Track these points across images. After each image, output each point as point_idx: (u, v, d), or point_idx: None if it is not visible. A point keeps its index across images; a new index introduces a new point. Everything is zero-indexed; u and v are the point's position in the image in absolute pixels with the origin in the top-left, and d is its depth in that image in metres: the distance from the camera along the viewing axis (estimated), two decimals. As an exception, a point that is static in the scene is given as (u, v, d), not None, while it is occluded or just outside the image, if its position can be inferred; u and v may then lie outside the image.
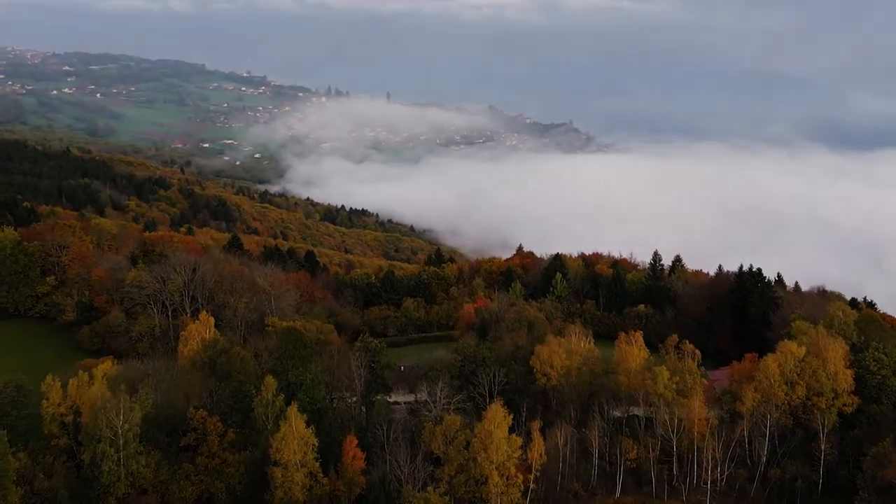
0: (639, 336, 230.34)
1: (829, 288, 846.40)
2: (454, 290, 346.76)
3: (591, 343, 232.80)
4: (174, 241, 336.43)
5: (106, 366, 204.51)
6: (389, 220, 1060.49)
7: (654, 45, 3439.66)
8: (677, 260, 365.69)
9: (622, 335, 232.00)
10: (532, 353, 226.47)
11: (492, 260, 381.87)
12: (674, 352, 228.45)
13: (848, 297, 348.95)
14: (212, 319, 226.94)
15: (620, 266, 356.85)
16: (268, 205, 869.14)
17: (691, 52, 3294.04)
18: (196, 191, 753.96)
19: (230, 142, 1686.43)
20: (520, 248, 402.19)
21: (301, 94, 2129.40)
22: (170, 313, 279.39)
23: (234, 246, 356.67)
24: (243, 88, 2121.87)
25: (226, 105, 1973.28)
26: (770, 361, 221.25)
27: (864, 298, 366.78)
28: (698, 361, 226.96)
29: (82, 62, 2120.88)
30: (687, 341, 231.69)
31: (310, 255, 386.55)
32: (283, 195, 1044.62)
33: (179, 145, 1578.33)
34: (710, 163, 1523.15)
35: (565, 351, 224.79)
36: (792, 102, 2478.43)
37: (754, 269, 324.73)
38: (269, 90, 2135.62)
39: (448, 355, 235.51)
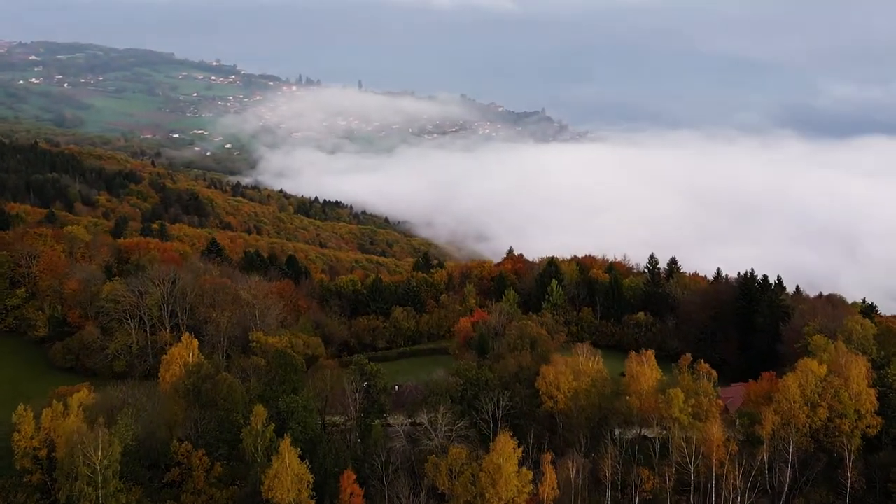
0: (650, 355, 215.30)
1: (807, 280, 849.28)
2: (445, 297, 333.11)
3: (600, 363, 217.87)
4: (150, 248, 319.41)
5: (82, 395, 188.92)
6: (364, 212, 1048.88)
7: (625, 33, 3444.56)
8: (673, 262, 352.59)
9: (633, 355, 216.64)
10: (537, 374, 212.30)
11: (482, 265, 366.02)
12: (688, 371, 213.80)
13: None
14: (195, 342, 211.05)
15: (616, 270, 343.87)
16: (241, 198, 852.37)
17: (663, 40, 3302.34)
18: (167, 184, 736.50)
19: (200, 132, 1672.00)
20: (510, 252, 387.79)
21: (272, 84, 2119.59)
22: (147, 329, 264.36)
23: (213, 251, 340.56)
24: (213, 77, 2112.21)
25: (195, 95, 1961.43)
26: (790, 381, 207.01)
27: (864, 300, 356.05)
28: (714, 382, 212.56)
29: (49, 51, 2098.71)
30: (703, 361, 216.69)
31: (292, 260, 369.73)
32: (255, 187, 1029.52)
33: (149, 136, 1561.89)
34: (684, 151, 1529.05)
35: (572, 372, 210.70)
36: (764, 89, 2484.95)
37: (759, 276, 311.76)
38: (239, 79, 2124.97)
39: (447, 377, 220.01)
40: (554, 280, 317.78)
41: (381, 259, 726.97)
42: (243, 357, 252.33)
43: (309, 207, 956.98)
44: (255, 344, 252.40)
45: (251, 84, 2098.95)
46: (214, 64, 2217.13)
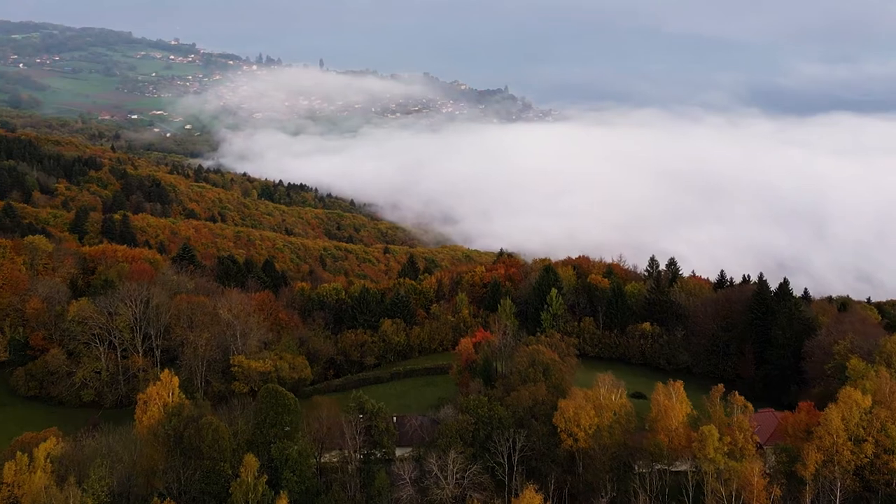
0: (679, 387, 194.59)
1: (778, 261, 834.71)
2: (435, 307, 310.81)
3: (623, 395, 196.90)
4: (117, 256, 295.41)
5: (49, 444, 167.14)
6: (329, 195, 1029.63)
7: (590, 11, 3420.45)
8: (672, 263, 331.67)
9: (660, 387, 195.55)
10: (554, 408, 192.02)
11: (473, 270, 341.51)
12: (720, 404, 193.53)
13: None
14: (175, 379, 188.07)
15: (615, 275, 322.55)
16: (204, 184, 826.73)
17: (628, 18, 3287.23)
18: (129, 171, 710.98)
19: (160, 113, 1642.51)
20: (501, 253, 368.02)
21: (232, 63, 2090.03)
22: (119, 353, 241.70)
23: (184, 257, 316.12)
24: (172, 57, 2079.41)
25: (154, 74, 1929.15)
26: (832, 414, 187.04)
27: (869, 300, 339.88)
28: (750, 415, 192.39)
29: (3, 31, 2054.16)
30: (737, 392, 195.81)
31: (269, 267, 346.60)
32: (217, 171, 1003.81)
33: (107, 117, 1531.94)
34: (650, 131, 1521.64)
35: (593, 406, 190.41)
36: (729, 68, 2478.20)
37: (771, 281, 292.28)
38: (198, 58, 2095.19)
39: (455, 414, 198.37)
40: (553, 289, 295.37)
41: (350, 246, 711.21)
42: (224, 383, 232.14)
43: (273, 191, 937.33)
44: (236, 368, 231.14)
45: (211, 63, 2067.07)
46: (173, 43, 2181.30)
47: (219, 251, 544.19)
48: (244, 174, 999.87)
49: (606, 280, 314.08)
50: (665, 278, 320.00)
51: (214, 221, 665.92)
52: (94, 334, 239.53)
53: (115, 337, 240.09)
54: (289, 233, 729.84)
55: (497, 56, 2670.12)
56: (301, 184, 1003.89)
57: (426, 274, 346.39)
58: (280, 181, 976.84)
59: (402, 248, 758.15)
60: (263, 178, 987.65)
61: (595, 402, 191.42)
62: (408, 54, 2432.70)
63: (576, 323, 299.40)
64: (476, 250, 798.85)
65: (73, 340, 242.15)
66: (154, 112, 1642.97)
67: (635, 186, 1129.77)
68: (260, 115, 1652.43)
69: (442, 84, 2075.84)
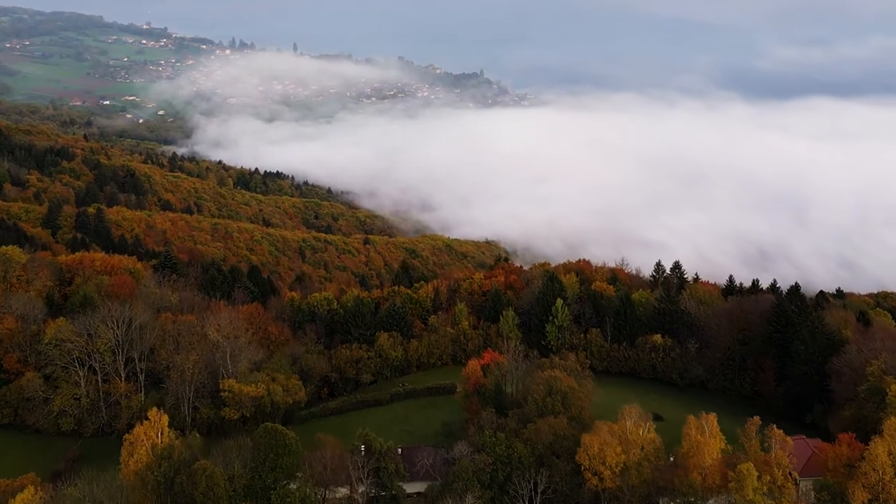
0: (712, 420, 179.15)
1: (759, 248, 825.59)
2: (434, 319, 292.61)
3: (652, 429, 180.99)
4: (95, 265, 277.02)
5: (26, 496, 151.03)
6: (305, 183, 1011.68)
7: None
8: (677, 267, 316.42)
9: (692, 420, 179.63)
10: (577, 444, 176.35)
11: (471, 277, 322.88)
12: (756, 437, 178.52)
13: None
14: (165, 417, 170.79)
15: (620, 282, 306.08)
16: (179, 173, 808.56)
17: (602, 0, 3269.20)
18: (102, 161, 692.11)
19: (132, 98, 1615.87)
20: (499, 259, 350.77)
21: (204, 47, 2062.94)
22: (100, 377, 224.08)
23: (167, 266, 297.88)
24: (144, 41, 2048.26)
25: (126, 59, 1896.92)
26: (878, 448, 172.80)
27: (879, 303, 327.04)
28: (790, 451, 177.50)
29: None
30: (774, 426, 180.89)
31: (256, 274, 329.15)
32: (192, 159, 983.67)
33: (79, 103, 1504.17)
34: (628, 115, 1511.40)
35: (619, 441, 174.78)
36: (703, 50, 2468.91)
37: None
38: (170, 43, 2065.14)
39: (471, 453, 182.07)
40: (559, 299, 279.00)
41: (329, 237, 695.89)
42: (213, 409, 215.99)
43: (249, 179, 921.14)
44: (227, 394, 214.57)
45: (183, 48, 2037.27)
46: (145, 27, 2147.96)
47: (196, 244, 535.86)
48: (219, 162, 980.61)
49: (611, 287, 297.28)
50: (671, 283, 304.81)
51: (191, 213, 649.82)
52: (73, 357, 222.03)
53: (95, 360, 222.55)
54: (266, 223, 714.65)
55: (472, 39, 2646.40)
56: (277, 171, 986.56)
57: (422, 282, 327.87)
58: (256, 169, 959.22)
59: (382, 238, 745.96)
60: (239, 166, 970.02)
61: (621, 436, 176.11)
62: (382, 38, 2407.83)
63: (582, 335, 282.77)
64: (457, 239, 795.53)
65: (50, 364, 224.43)
66: (126, 98, 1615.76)
67: (615, 172, 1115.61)
68: (234, 101, 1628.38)
69: (417, 68, 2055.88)
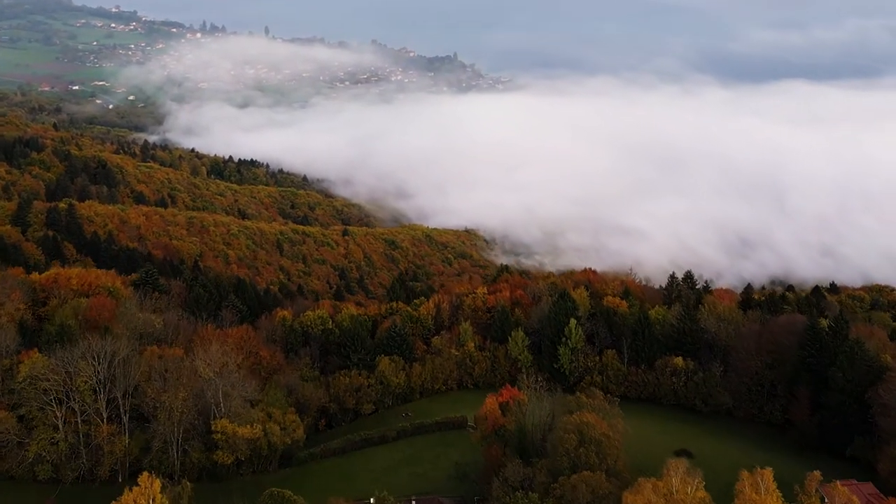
0: (768, 476, 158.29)
1: (741, 235, 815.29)
2: (437, 340, 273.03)
3: (701, 486, 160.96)
4: (71, 284, 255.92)
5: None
6: (280, 171, 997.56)
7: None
8: (688, 277, 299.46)
9: (745, 476, 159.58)
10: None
11: (474, 292, 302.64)
12: (817, 495, 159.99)
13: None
14: (157, 483, 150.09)
15: (633, 296, 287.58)
16: (152, 163, 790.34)
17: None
18: (73, 152, 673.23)
19: (102, 83, 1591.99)
20: (501, 270, 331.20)
21: (175, 31, 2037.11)
22: (79, 419, 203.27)
23: (148, 283, 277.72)
24: (113, 25, 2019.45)
25: (95, 43, 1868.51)
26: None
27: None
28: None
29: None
30: (839, 482, 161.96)
31: (243, 288, 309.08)
32: (164, 147, 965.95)
33: (47, 88, 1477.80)
34: (605, 99, 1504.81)
35: (666, 502, 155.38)
36: (678, 32, 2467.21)
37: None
38: (140, 26, 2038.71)
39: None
40: (573, 319, 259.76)
41: (307, 229, 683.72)
42: (204, 452, 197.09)
43: (223, 168, 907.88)
44: (219, 436, 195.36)
45: (153, 32, 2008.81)
46: (114, 10, 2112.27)
47: (171, 240, 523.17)
48: (192, 150, 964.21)
49: (624, 302, 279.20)
50: (688, 297, 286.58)
51: (164, 205, 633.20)
52: (49, 398, 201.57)
53: (74, 400, 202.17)
54: (243, 215, 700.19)
55: (445, 22, 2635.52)
56: (252, 159, 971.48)
57: (422, 297, 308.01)
58: (230, 157, 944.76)
59: (361, 229, 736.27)
60: (212, 155, 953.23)
61: (667, 495, 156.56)
62: (354, 21, 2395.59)
63: (596, 357, 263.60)
64: (436, 229, 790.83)
65: (25, 404, 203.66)
66: (96, 83, 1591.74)
67: (593, 158, 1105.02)
68: (205, 86, 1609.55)
69: (390, 52, 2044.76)
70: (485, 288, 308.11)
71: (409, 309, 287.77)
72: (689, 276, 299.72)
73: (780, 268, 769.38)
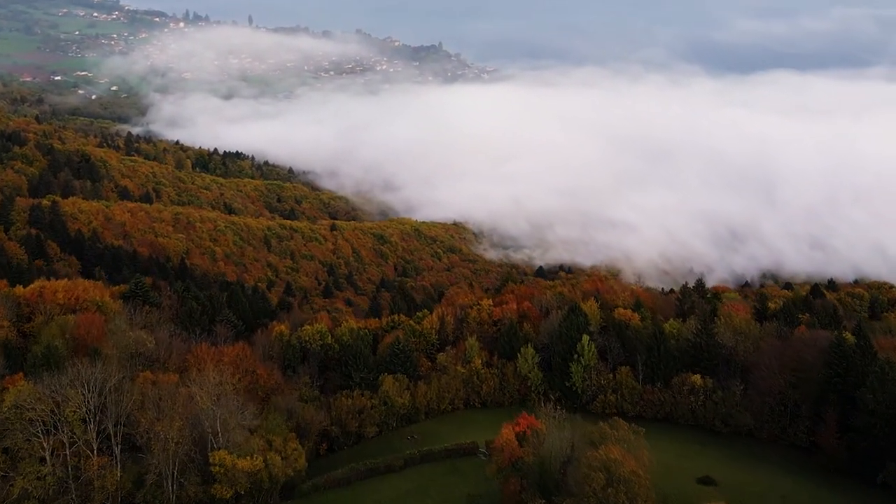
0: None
1: (730, 228, 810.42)
2: (442, 356, 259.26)
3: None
4: (58, 299, 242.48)
5: None
6: (266, 163, 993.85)
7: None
8: (700, 285, 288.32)
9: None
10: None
11: (479, 304, 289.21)
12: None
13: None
14: None
15: (645, 308, 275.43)
16: (136, 157, 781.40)
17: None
18: (55, 146, 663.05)
19: (84, 74, 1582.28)
20: (507, 280, 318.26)
21: (158, 20, 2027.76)
22: (68, 452, 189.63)
23: (137, 294, 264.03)
24: (95, 14, 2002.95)
25: (77, 33, 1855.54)
26: None
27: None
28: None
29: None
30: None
31: (236, 299, 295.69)
32: (148, 139, 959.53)
33: (29, 79, 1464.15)
34: (593, 90, 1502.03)
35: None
36: (664, 21, 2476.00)
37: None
38: (123, 16, 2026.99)
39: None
40: (585, 336, 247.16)
41: (295, 224, 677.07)
42: (201, 485, 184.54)
43: (208, 160, 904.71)
44: (217, 468, 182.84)
45: (136, 21, 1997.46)
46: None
47: (157, 237, 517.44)
48: (177, 142, 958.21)
49: (636, 315, 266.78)
50: (702, 309, 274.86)
51: (149, 199, 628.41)
52: (36, 429, 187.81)
53: (63, 431, 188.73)
54: (229, 209, 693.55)
55: (429, 10, 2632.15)
56: (237, 151, 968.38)
57: (425, 310, 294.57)
58: (215, 150, 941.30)
59: (349, 223, 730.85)
60: (197, 147, 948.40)
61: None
62: (338, 9, 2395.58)
63: (610, 374, 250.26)
64: (425, 222, 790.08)
65: (9, 435, 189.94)
66: (78, 73, 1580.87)
67: (581, 150, 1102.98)
68: (189, 76, 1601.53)
69: (375, 41, 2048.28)
70: (490, 301, 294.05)
71: (411, 323, 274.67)
72: (700, 285, 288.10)
73: (771, 261, 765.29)
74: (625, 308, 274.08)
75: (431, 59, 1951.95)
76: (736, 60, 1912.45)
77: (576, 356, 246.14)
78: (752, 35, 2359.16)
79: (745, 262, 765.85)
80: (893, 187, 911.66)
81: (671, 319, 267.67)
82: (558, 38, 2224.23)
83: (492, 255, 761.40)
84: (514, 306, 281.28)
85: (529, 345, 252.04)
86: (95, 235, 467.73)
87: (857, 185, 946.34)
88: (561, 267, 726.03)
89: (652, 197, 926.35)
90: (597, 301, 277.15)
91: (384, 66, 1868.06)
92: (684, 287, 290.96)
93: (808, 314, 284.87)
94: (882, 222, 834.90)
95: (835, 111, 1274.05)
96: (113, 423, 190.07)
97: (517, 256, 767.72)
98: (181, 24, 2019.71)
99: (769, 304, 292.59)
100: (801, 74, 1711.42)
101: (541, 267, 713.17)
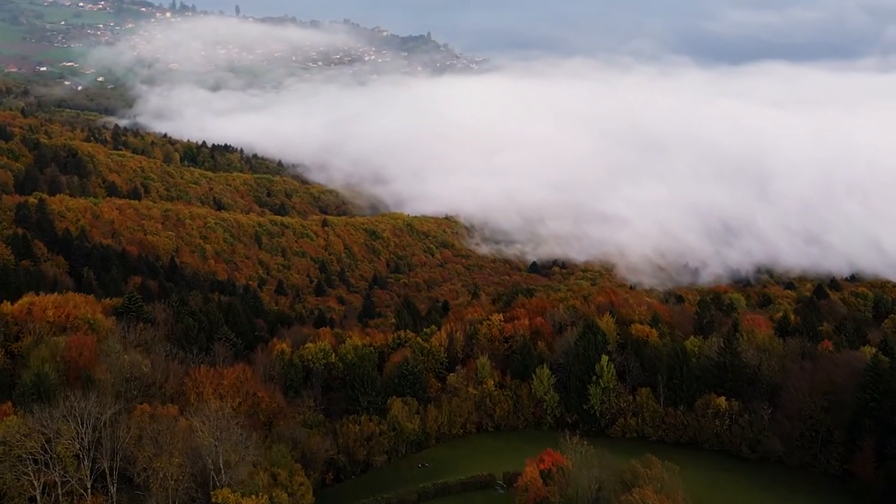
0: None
1: (723, 221, 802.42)
2: (452, 377, 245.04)
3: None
4: (47, 316, 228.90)
5: None
6: (255, 156, 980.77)
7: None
8: (716, 297, 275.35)
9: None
10: None
11: (490, 319, 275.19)
12: None
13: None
14: None
15: (663, 323, 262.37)
16: (124, 150, 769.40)
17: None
18: (42, 140, 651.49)
19: (70, 65, 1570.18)
20: (515, 293, 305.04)
21: (144, 10, 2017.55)
22: (61, 491, 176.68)
23: (131, 309, 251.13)
24: (81, 4, 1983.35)
25: (63, 23, 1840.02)
26: None
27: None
28: None
29: None
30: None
31: (234, 314, 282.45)
32: (136, 132, 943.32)
33: (14, 70, 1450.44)
34: (583, 82, 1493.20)
35: None
36: (654, 12, 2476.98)
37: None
38: (109, 6, 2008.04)
39: None
40: (604, 356, 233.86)
41: (286, 220, 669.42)
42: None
43: (196, 153, 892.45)
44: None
45: (122, 11, 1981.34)
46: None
47: (146, 234, 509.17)
48: (165, 135, 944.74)
49: (654, 331, 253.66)
50: (720, 322, 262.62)
51: (138, 196, 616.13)
52: (26, 467, 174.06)
53: (55, 469, 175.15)
54: (219, 205, 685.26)
55: (418, 2, 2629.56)
56: (225, 144, 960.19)
57: (433, 326, 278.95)
58: (203, 143, 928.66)
59: (340, 219, 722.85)
60: (185, 140, 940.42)
61: None
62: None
63: (630, 396, 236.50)
64: (417, 217, 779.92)
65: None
66: (64, 64, 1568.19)
67: (572, 142, 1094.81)
68: (176, 67, 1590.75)
69: (363, 31, 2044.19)
70: (500, 316, 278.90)
71: (419, 340, 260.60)
72: (717, 298, 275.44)
73: (766, 256, 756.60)
74: (642, 323, 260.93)
75: (420, 50, 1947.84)
76: (726, 51, 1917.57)
77: (594, 377, 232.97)
78: (742, 26, 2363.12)
79: (740, 257, 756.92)
80: (887, 179, 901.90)
81: (691, 336, 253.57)
82: (547, 29, 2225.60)
83: (484, 249, 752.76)
84: (527, 322, 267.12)
85: (544, 365, 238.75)
86: (83, 234, 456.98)
87: (850, 178, 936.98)
88: (555, 262, 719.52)
89: (645, 190, 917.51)
90: (612, 316, 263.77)
91: (373, 57, 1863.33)
92: (701, 301, 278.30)
93: (825, 323, 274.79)
94: (876, 216, 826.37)
95: (827, 102, 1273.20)
96: (108, 459, 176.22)
97: (509, 251, 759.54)
98: (168, 15, 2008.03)
99: (790, 316, 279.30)
100: (792, 65, 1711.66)
101: (534, 262, 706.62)
